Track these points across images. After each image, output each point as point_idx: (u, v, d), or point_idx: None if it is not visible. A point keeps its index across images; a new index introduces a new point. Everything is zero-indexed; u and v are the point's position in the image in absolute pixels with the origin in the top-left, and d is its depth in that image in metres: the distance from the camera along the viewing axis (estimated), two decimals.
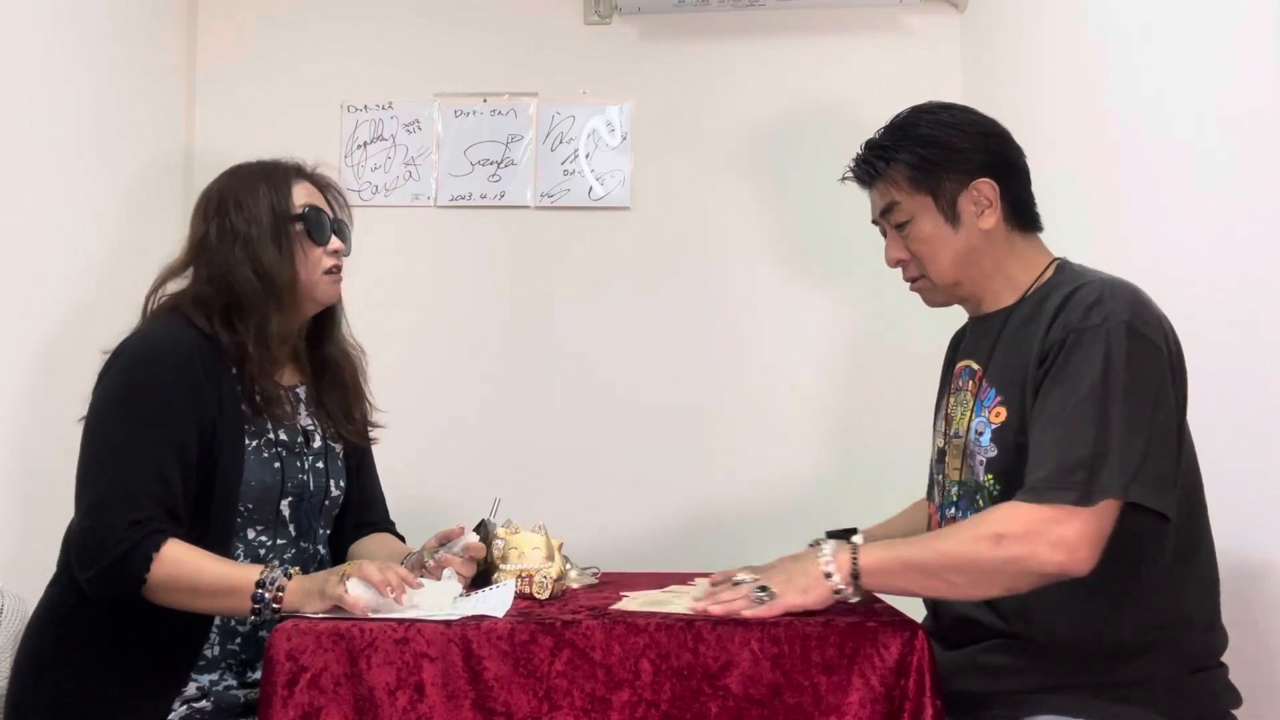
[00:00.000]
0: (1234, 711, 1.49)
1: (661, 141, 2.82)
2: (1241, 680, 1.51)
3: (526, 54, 2.85)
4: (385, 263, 2.71)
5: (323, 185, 1.83)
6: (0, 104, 2.05)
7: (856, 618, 1.46)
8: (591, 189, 2.82)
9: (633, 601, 1.61)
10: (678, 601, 1.58)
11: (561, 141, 2.83)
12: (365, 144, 2.84)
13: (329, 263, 1.77)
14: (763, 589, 1.47)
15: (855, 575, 1.45)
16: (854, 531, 1.83)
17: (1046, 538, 1.37)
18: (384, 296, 2.69)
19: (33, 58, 2.15)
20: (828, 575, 1.46)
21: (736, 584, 1.52)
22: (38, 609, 1.68)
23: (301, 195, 1.77)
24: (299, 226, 1.74)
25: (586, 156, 2.82)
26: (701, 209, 2.81)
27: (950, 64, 2.77)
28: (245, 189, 1.74)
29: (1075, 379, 1.43)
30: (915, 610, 1.58)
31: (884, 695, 1.40)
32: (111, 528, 1.53)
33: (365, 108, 2.85)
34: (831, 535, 1.83)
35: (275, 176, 1.76)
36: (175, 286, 1.76)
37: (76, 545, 1.57)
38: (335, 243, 1.77)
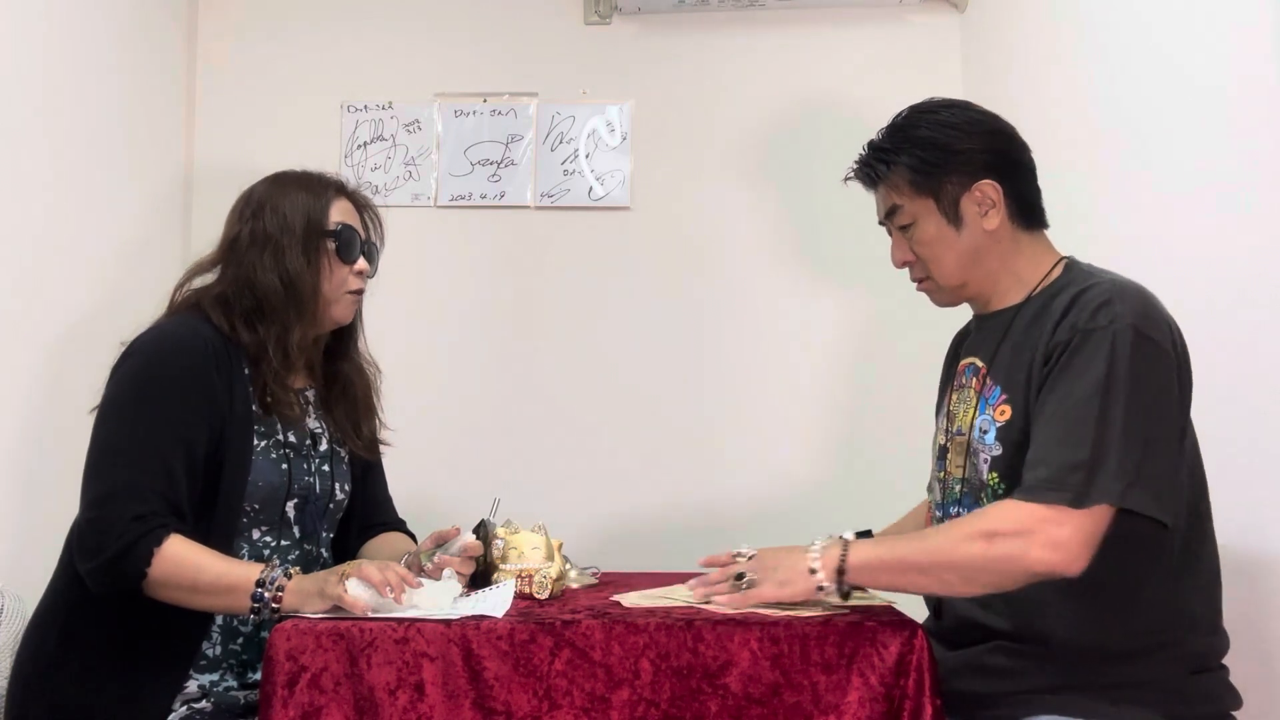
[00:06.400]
0: (1234, 713, 1.49)
1: (661, 141, 2.82)
2: (1242, 681, 1.51)
3: (526, 54, 2.85)
4: (385, 263, 2.70)
5: (361, 206, 1.86)
6: (4, 102, 2.05)
7: (856, 617, 1.46)
8: (591, 189, 2.82)
9: (628, 600, 1.62)
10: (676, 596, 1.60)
11: (561, 141, 2.83)
12: (365, 144, 2.84)
13: (354, 284, 1.80)
14: (740, 577, 1.49)
15: (841, 571, 1.46)
16: (869, 533, 1.82)
17: (1039, 538, 1.37)
18: (383, 297, 2.68)
19: (35, 58, 2.15)
20: (812, 571, 1.47)
21: (735, 560, 1.55)
22: (38, 609, 1.68)
23: (338, 213, 1.79)
24: (330, 243, 1.77)
25: (586, 156, 2.82)
26: (701, 209, 2.81)
27: (950, 64, 2.77)
28: (284, 196, 1.77)
29: (1077, 379, 1.42)
30: (916, 610, 1.58)
31: (883, 695, 1.40)
32: (115, 521, 1.54)
33: (365, 108, 2.85)
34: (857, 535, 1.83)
35: (316, 189, 1.79)
36: (203, 280, 1.79)
37: (79, 537, 1.58)
38: (361, 263, 1.80)
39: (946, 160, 1.59)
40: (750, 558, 1.58)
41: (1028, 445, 1.48)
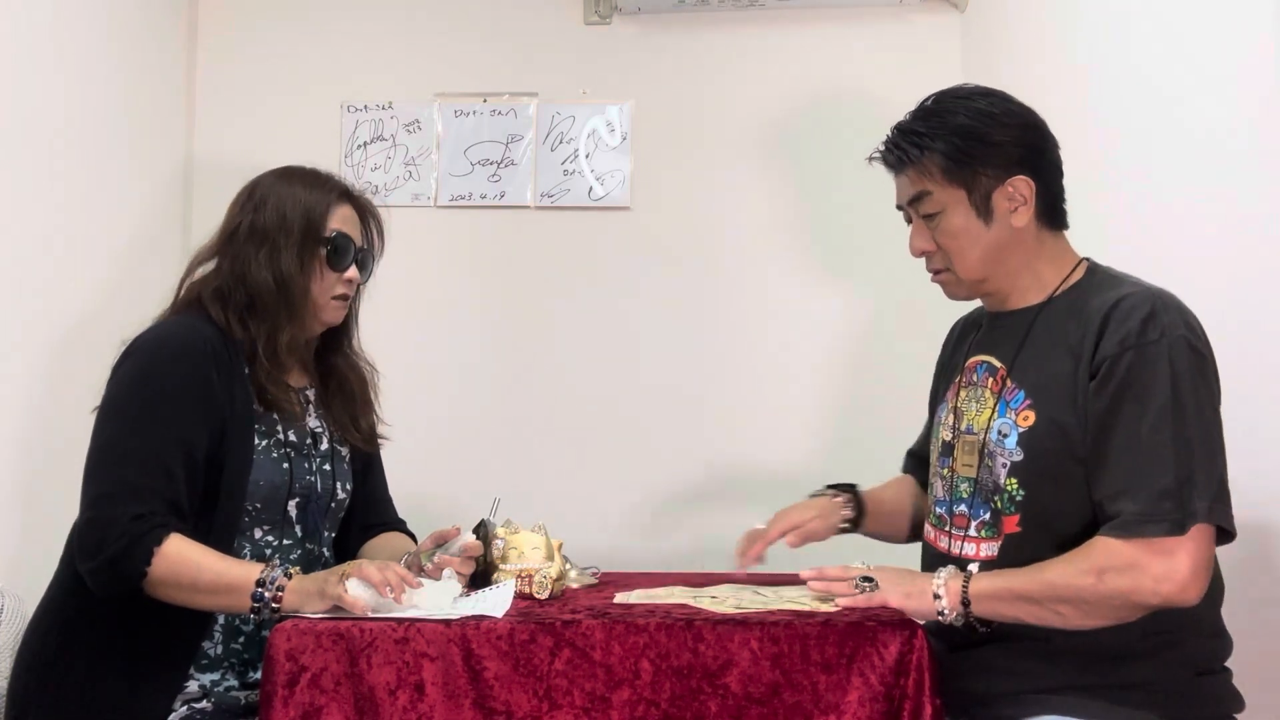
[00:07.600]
0: (1236, 716, 1.49)
1: (661, 141, 2.81)
2: (1244, 684, 1.51)
3: (526, 54, 2.85)
4: (385, 263, 2.70)
5: (363, 211, 1.85)
6: (4, 103, 2.05)
7: (856, 617, 1.46)
8: (591, 189, 2.82)
9: (628, 599, 1.62)
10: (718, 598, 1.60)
11: (561, 141, 2.83)
12: (365, 144, 2.84)
13: (340, 290, 1.79)
14: (867, 579, 1.49)
15: (965, 602, 1.46)
16: (854, 487, 1.86)
17: (1150, 572, 1.37)
18: (384, 297, 2.69)
19: (35, 58, 2.15)
20: (936, 596, 1.47)
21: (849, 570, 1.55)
22: (39, 609, 1.68)
23: (338, 220, 1.78)
24: (323, 249, 1.76)
25: (586, 156, 2.82)
26: (701, 209, 2.81)
27: (950, 64, 2.77)
28: (288, 194, 1.76)
29: (1144, 399, 1.41)
30: None
31: (883, 694, 1.40)
32: (114, 520, 1.54)
33: (365, 108, 2.85)
34: (832, 488, 1.86)
35: (320, 191, 1.78)
36: (204, 270, 1.78)
37: (80, 537, 1.58)
38: (352, 272, 1.79)
39: (983, 151, 1.55)
40: (867, 570, 1.56)
41: (1055, 453, 1.47)
